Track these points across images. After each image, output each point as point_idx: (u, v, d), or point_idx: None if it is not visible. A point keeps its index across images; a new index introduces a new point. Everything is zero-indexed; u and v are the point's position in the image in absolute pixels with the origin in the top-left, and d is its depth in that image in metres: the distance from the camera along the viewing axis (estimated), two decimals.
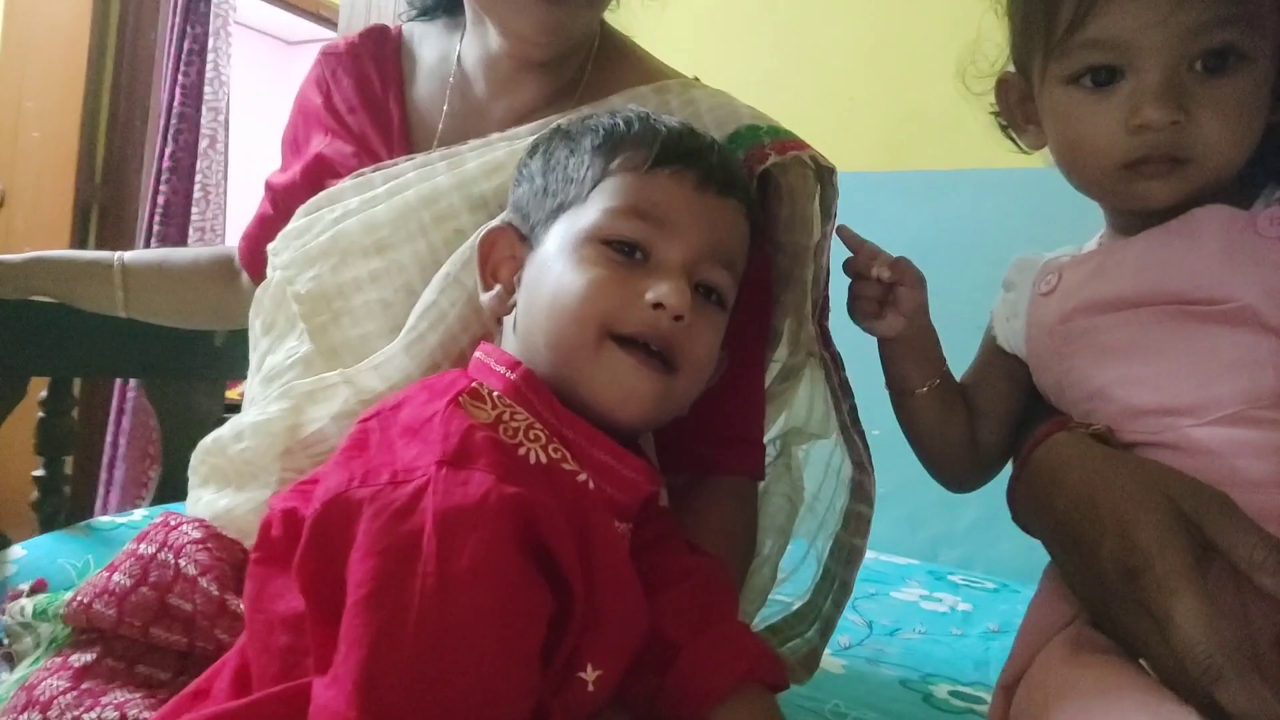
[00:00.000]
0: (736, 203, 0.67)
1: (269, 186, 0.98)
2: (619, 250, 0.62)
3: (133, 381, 2.72)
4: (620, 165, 0.64)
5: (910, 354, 0.79)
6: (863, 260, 0.77)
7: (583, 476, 0.56)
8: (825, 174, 0.79)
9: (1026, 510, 0.68)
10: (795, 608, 0.87)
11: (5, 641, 0.79)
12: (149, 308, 1.08)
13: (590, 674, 0.52)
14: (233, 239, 2.92)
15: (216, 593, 0.68)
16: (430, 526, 0.47)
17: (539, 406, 0.59)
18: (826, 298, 0.83)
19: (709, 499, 0.77)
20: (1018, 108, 0.74)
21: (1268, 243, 0.61)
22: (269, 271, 0.84)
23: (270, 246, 0.84)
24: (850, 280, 0.80)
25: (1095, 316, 0.67)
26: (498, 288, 0.68)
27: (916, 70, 1.72)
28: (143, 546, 0.73)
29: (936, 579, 1.41)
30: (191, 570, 0.69)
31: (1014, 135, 0.76)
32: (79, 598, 0.71)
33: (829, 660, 1.00)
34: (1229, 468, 0.59)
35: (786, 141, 0.78)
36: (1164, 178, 0.64)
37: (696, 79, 0.89)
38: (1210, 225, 0.63)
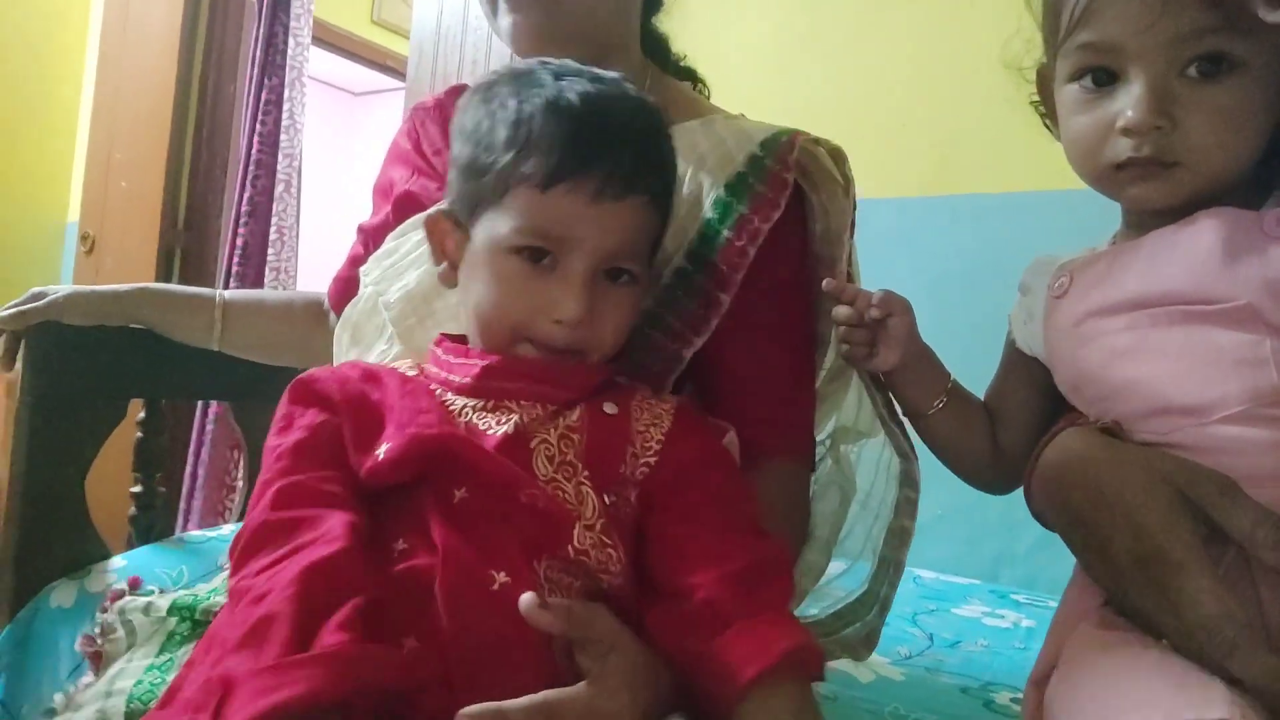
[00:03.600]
0: (637, 199, 0.71)
1: (361, 230, 1.06)
2: (530, 258, 0.70)
3: (211, 414, 2.83)
4: (524, 178, 0.69)
5: (912, 379, 0.81)
6: (859, 307, 0.79)
7: (413, 372, 0.74)
8: (838, 155, 0.86)
9: (1042, 504, 0.70)
10: (857, 595, 0.90)
11: (99, 641, 0.85)
12: (241, 342, 1.15)
13: (381, 449, 0.65)
14: (305, 278, 3.01)
15: None
16: None
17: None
18: None
19: (760, 481, 0.80)
20: (1049, 100, 0.76)
21: (1272, 242, 0.61)
22: (361, 289, 0.91)
23: (362, 269, 0.92)
24: (841, 328, 0.82)
25: (1105, 319, 0.69)
26: (445, 264, 0.78)
27: (964, 94, 1.75)
28: None
29: (999, 597, 1.41)
30: None
31: (1050, 126, 0.78)
32: None
33: (888, 668, 1.01)
34: (1237, 465, 0.60)
35: (794, 135, 0.85)
36: (1152, 180, 0.65)
37: (742, 115, 0.94)
38: (1214, 226, 0.64)
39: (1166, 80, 0.63)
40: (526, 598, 0.57)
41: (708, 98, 1.04)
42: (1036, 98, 0.78)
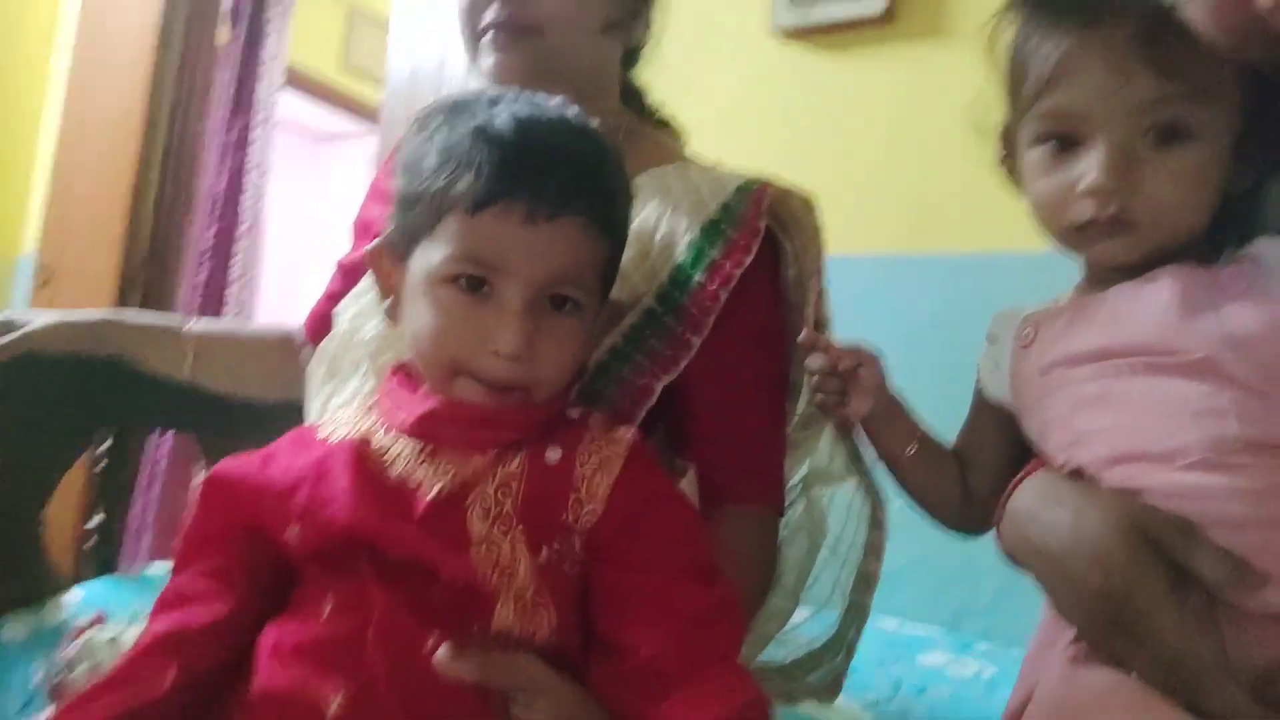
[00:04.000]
0: (573, 219, 0.67)
1: (340, 266, 1.07)
2: (466, 288, 0.67)
3: (165, 449, 2.77)
4: (454, 203, 0.67)
5: (884, 427, 0.83)
6: (831, 358, 0.82)
7: (341, 433, 0.71)
8: (808, 204, 0.89)
9: (1011, 546, 0.72)
10: (823, 640, 0.90)
11: (59, 676, 0.83)
12: (213, 373, 1.13)
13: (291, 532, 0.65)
14: (264, 317, 2.98)
15: None
16: None
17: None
18: None
19: (728, 526, 0.81)
20: (1013, 159, 0.79)
21: (1227, 298, 0.65)
22: (336, 325, 0.91)
23: (337, 309, 0.92)
24: (814, 380, 0.84)
25: (1070, 368, 0.72)
26: (390, 299, 0.75)
27: (938, 155, 1.80)
28: None
29: (962, 647, 1.42)
30: None
31: (1014, 183, 0.81)
32: None
33: (857, 712, 1.02)
34: (1199, 510, 0.62)
35: (766, 184, 0.88)
36: (1115, 238, 0.69)
37: (717, 163, 0.97)
38: (1173, 282, 0.67)
39: (1127, 145, 0.67)
40: (441, 651, 0.58)
41: (684, 146, 1.07)
42: (1000, 157, 0.82)
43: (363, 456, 0.66)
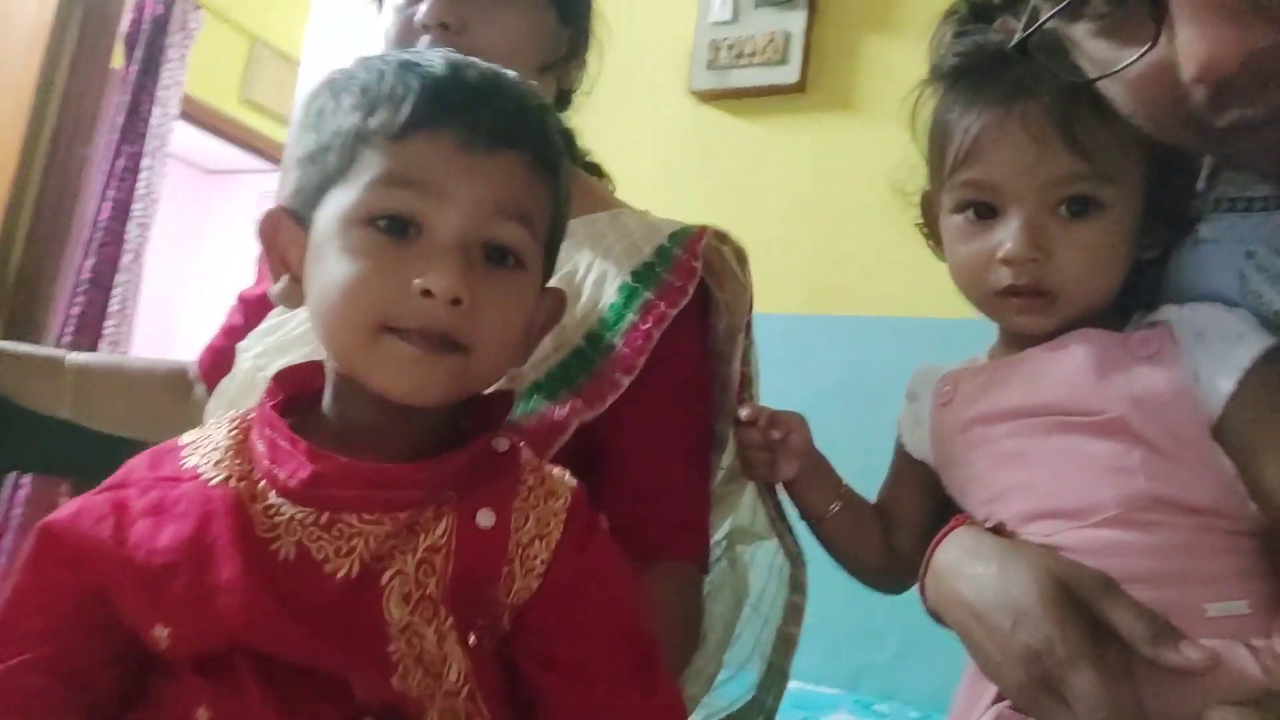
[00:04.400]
0: (516, 154, 0.59)
1: (242, 299, 1.01)
2: (387, 230, 0.56)
3: (21, 494, 2.57)
4: (374, 131, 0.57)
5: (809, 487, 0.83)
6: (761, 427, 0.82)
7: (211, 476, 0.56)
8: (741, 257, 0.88)
9: (935, 602, 0.72)
10: (742, 703, 0.89)
11: None
12: (96, 411, 1.04)
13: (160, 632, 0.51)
14: (139, 353, 2.85)
15: None
16: None
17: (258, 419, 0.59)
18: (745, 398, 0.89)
19: (653, 583, 0.79)
20: (933, 223, 0.81)
21: (1136, 362, 0.68)
22: (238, 363, 0.86)
23: (240, 345, 0.86)
24: (741, 445, 0.84)
25: (989, 426, 0.74)
26: (286, 278, 0.62)
27: (845, 222, 1.87)
28: None
29: (863, 708, 1.43)
30: None
31: (933, 246, 0.83)
32: None
33: None
34: (1114, 566, 0.64)
35: (702, 229, 0.88)
36: (1033, 312, 0.72)
37: (647, 211, 0.97)
38: (1086, 345, 0.70)
39: (1040, 218, 0.70)
40: None
41: (613, 192, 1.06)
42: (920, 221, 0.84)
43: (248, 529, 0.53)
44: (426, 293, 0.54)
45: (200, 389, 1.03)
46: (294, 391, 0.62)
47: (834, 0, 1.99)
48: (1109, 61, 0.57)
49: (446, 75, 0.59)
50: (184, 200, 4.76)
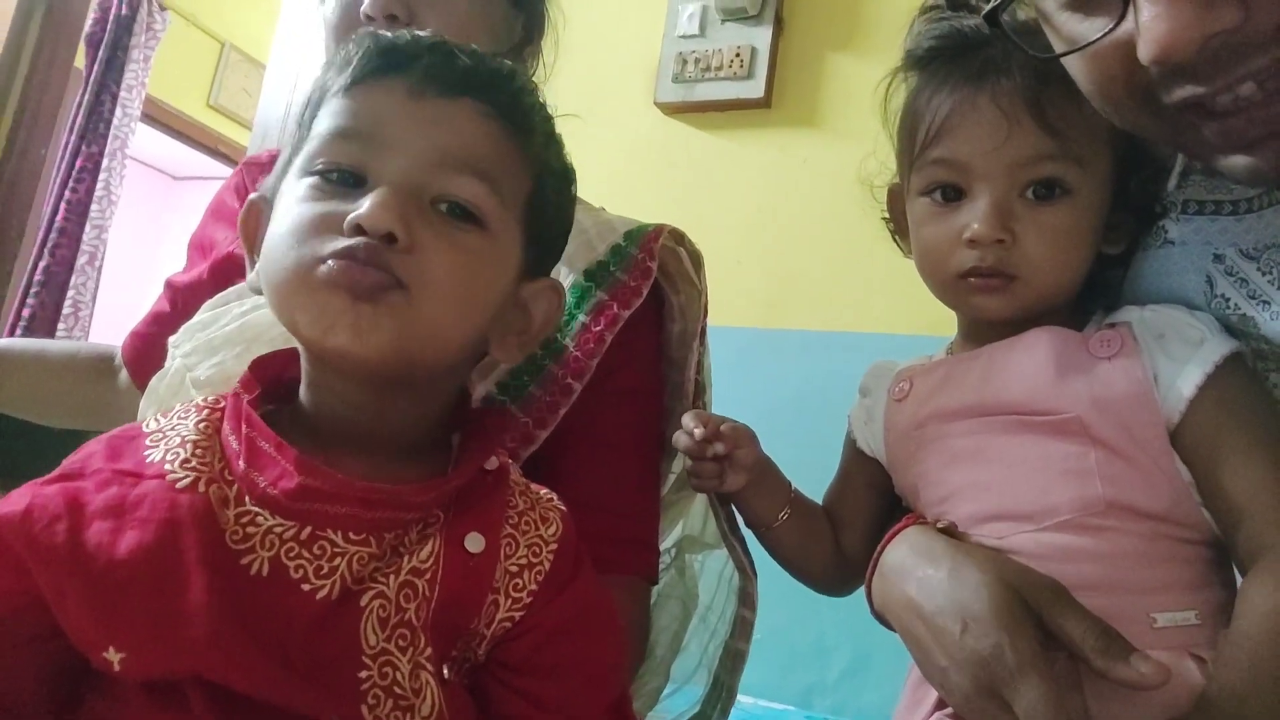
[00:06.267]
0: (471, 102, 0.56)
1: (170, 285, 0.97)
2: (335, 182, 0.54)
3: None
4: (328, 89, 0.57)
5: (757, 495, 0.81)
6: (708, 436, 0.79)
7: (179, 477, 0.50)
8: (697, 260, 0.86)
9: (882, 604, 0.71)
10: (687, 719, 0.86)
11: None
12: (14, 396, 1.01)
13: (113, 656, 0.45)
14: None
15: None
16: None
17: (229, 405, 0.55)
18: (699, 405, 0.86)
19: None
20: (899, 217, 0.80)
21: (1096, 362, 0.67)
22: (169, 361, 0.83)
23: (172, 340, 0.83)
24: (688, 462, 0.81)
25: (944, 423, 0.73)
26: (258, 262, 0.59)
27: (799, 236, 1.87)
28: None
29: None
30: None
31: (899, 240, 0.82)
32: None
33: None
34: (1066, 572, 0.63)
35: (660, 227, 0.85)
36: (994, 293, 0.70)
37: (603, 209, 0.95)
38: (1046, 343, 0.69)
39: (1007, 199, 0.69)
40: None
41: None
42: (886, 215, 0.83)
43: (217, 540, 0.48)
44: (358, 229, 0.50)
45: (124, 375, 1.00)
46: (270, 380, 0.58)
47: (800, 17, 2.00)
48: (1077, 36, 0.56)
49: (404, 35, 0.58)
50: (152, 208, 4.70)
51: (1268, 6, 0.48)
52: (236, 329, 0.78)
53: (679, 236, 0.86)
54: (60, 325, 2.90)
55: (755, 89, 1.95)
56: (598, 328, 0.79)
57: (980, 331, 0.75)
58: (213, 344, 0.79)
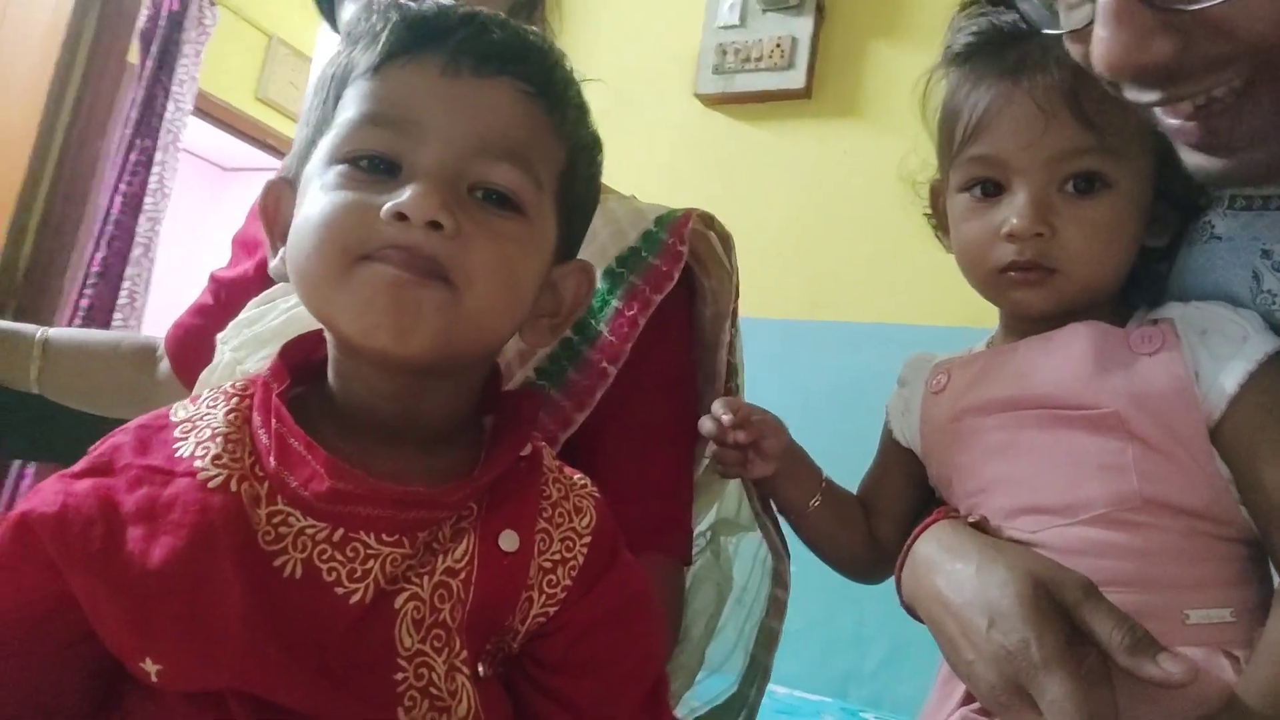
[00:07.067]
0: (508, 80, 0.54)
1: (215, 279, 1.00)
2: (367, 169, 0.52)
3: (25, 484, 2.59)
4: (356, 69, 0.54)
5: (788, 482, 0.82)
6: (723, 431, 0.79)
7: (210, 475, 0.49)
8: (727, 242, 0.86)
9: (911, 596, 0.71)
10: (725, 698, 0.88)
11: None
12: (61, 385, 1.05)
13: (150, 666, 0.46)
14: None
15: None
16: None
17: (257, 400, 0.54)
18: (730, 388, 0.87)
19: None
20: (941, 213, 0.80)
21: (1137, 357, 0.67)
22: (218, 356, 0.85)
23: (220, 335, 0.86)
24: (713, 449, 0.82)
25: (980, 417, 0.73)
26: (282, 249, 0.57)
27: (841, 228, 1.86)
28: None
29: (850, 715, 1.42)
30: None
31: (941, 237, 0.82)
32: None
33: None
34: (1098, 567, 0.63)
35: (689, 211, 0.85)
36: (1034, 286, 0.70)
37: (633, 196, 0.96)
38: (1085, 337, 0.69)
39: (1046, 193, 0.69)
40: None
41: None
42: (929, 211, 0.83)
43: (250, 543, 0.48)
44: (400, 216, 0.49)
45: (165, 366, 1.03)
46: (298, 364, 0.57)
47: (841, 6, 1.99)
48: (1068, 22, 0.58)
49: (432, 7, 0.55)
50: (203, 197, 4.79)
51: (1202, 44, 0.51)
52: (283, 323, 0.81)
53: (708, 219, 0.87)
54: (116, 315, 2.97)
55: (796, 80, 1.94)
56: (631, 312, 0.80)
57: (1021, 326, 0.75)
58: (261, 338, 0.82)
